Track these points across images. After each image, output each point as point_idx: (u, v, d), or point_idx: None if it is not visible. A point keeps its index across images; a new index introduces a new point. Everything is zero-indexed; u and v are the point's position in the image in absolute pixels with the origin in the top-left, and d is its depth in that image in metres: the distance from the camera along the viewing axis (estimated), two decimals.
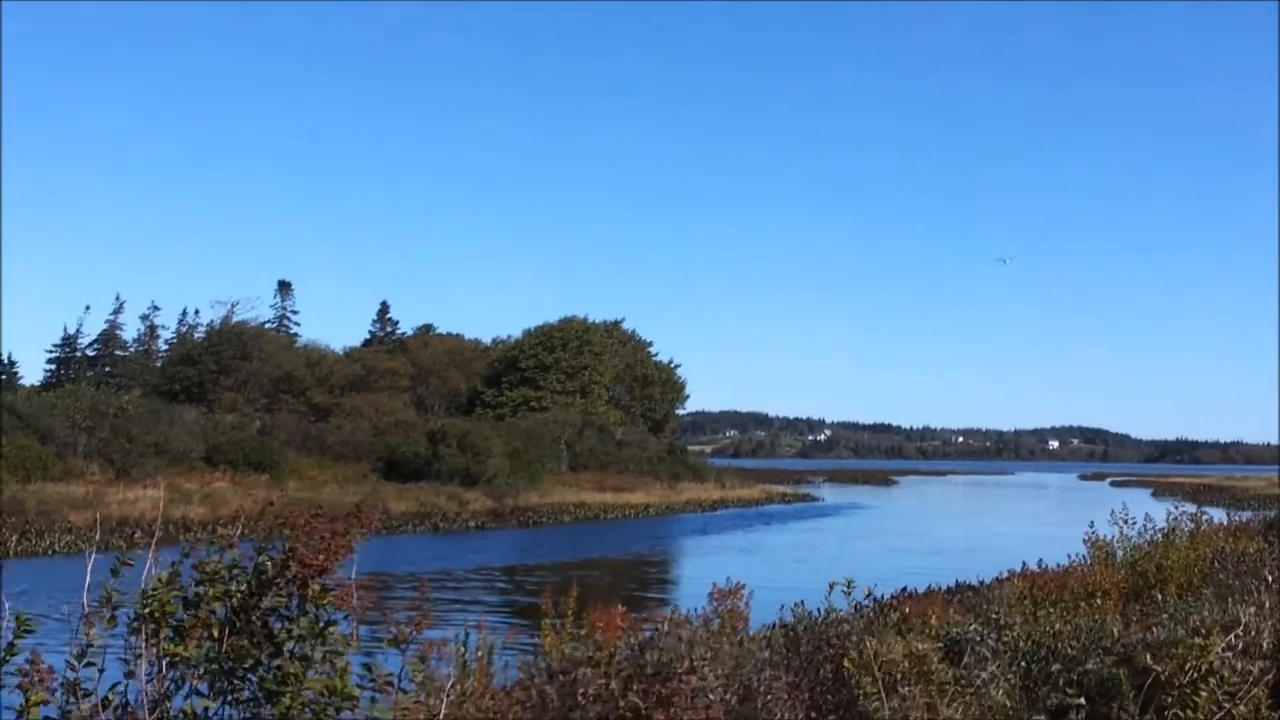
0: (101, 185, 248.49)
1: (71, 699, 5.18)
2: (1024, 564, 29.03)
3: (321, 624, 5.41)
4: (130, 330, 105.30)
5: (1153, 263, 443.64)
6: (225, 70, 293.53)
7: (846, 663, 8.08)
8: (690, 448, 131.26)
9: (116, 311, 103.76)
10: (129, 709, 5.39)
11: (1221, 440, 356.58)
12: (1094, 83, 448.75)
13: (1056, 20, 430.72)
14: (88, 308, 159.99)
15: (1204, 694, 7.27)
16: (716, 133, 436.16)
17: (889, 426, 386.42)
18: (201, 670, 5.43)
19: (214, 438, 66.16)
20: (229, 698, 5.46)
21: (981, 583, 29.00)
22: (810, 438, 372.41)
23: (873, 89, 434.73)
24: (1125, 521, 16.97)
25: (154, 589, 5.46)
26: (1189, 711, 7.25)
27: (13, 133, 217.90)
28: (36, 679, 4.89)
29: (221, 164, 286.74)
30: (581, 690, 7.47)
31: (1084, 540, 17.01)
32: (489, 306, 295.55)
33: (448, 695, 7.49)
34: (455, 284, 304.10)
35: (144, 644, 5.40)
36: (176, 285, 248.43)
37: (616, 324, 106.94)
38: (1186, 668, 7.27)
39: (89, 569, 5.51)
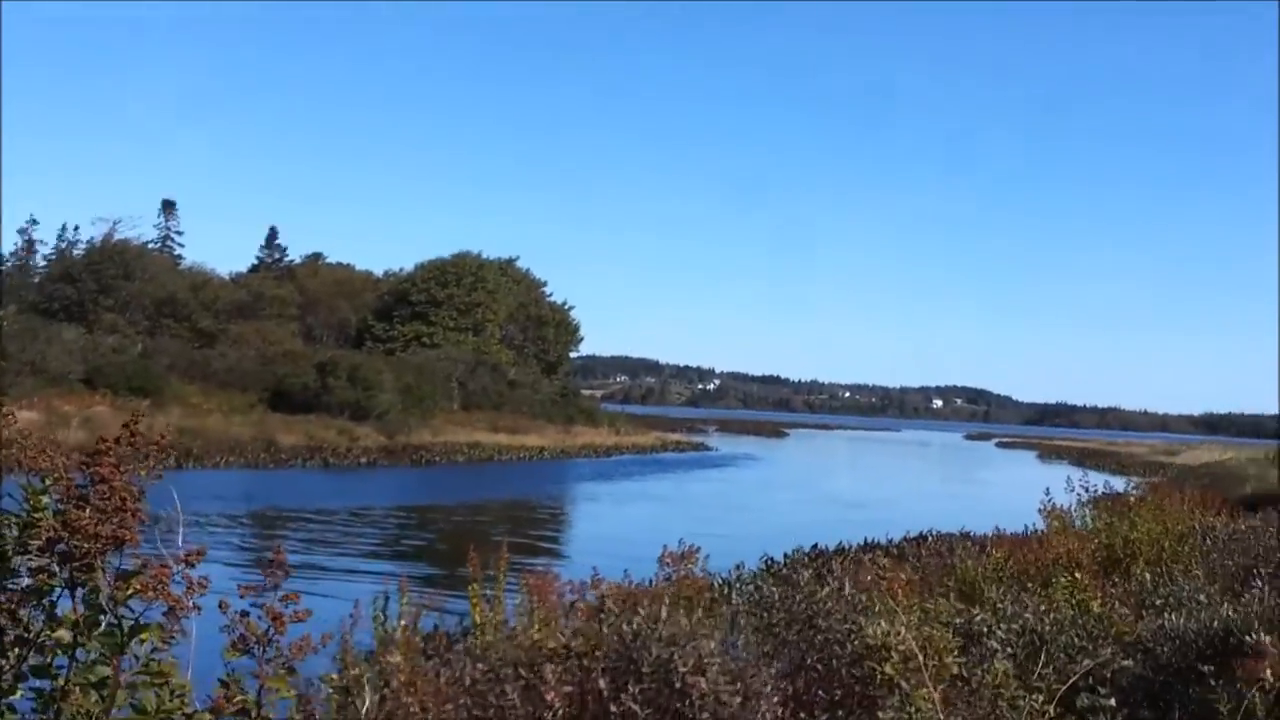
0: None
1: None
2: (918, 526, 28.70)
3: (125, 630, 3.37)
4: (6, 244, 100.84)
5: (1042, 231, 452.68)
6: None
7: (875, 664, 6.80)
8: (582, 391, 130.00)
9: None
10: None
11: (1099, 405, 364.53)
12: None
13: None
14: None
15: None
16: (617, 75, 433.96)
17: (777, 379, 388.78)
18: None
19: (94, 359, 63.36)
20: None
21: (920, 537, 28.42)
22: (700, 386, 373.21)
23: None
24: (1085, 489, 16.06)
25: None
26: None
27: None
28: None
29: (104, 74, 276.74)
30: (551, 691, 6.19)
31: (1039, 509, 15.98)
32: (379, 238, 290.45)
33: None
34: (345, 213, 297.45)
35: None
36: (54, 200, 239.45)
37: (510, 262, 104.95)
38: None
39: None
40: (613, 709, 5.99)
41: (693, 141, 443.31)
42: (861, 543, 27.74)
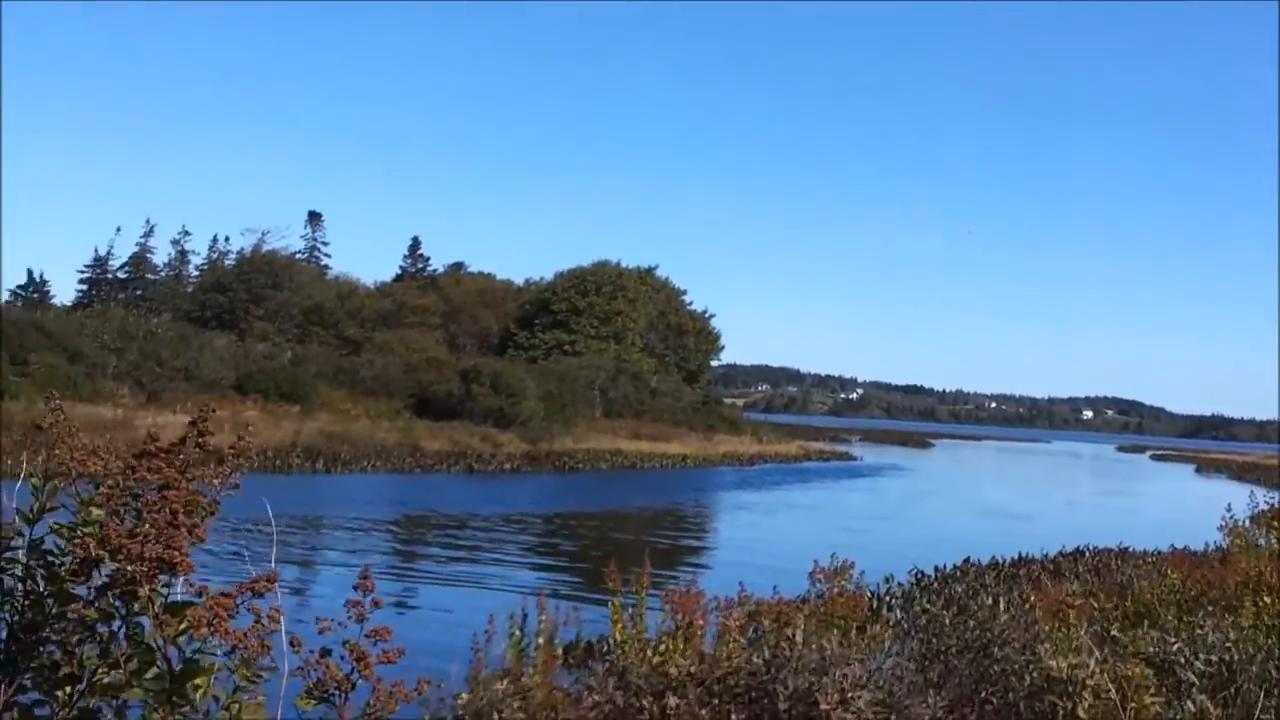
0: (137, 106, 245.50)
1: None
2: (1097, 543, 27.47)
3: (172, 673, 2.74)
4: (161, 254, 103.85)
5: (1198, 238, 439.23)
6: None
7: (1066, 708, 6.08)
8: (723, 400, 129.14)
9: (147, 235, 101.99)
10: None
11: (1258, 418, 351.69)
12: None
13: None
14: (119, 229, 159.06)
15: None
16: (755, 81, 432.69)
17: (921, 388, 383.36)
18: None
19: (245, 366, 64.96)
20: None
21: (1077, 552, 27.18)
22: (842, 396, 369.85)
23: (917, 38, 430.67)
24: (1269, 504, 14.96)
25: None
26: None
27: (52, 53, 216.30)
28: None
29: (253, 89, 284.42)
30: None
31: (1220, 527, 14.90)
32: (520, 247, 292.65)
33: None
34: (486, 222, 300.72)
35: None
36: (206, 211, 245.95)
37: (650, 271, 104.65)
38: None
39: None
40: None
41: (829, 149, 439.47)
42: (1015, 557, 26.59)
